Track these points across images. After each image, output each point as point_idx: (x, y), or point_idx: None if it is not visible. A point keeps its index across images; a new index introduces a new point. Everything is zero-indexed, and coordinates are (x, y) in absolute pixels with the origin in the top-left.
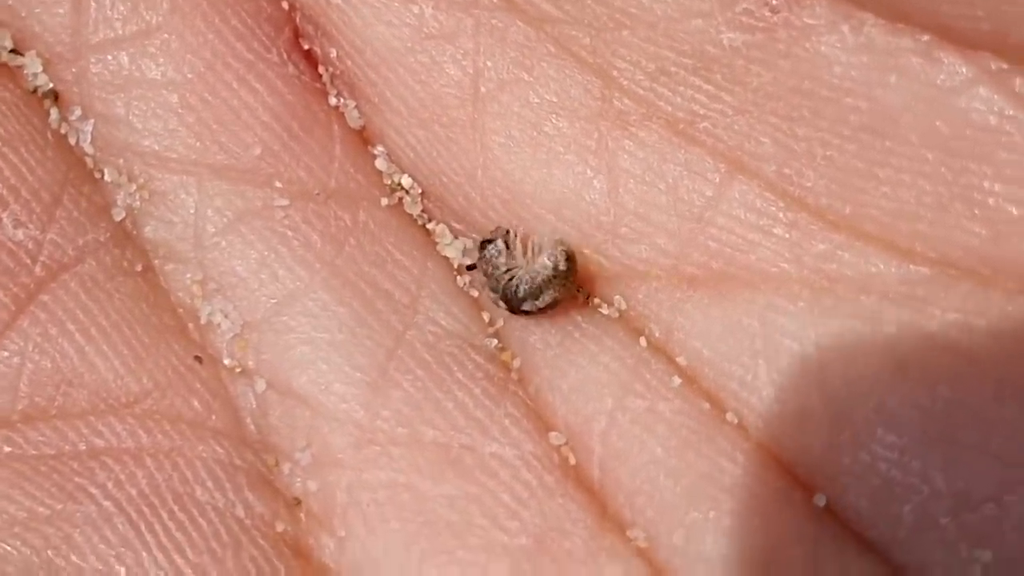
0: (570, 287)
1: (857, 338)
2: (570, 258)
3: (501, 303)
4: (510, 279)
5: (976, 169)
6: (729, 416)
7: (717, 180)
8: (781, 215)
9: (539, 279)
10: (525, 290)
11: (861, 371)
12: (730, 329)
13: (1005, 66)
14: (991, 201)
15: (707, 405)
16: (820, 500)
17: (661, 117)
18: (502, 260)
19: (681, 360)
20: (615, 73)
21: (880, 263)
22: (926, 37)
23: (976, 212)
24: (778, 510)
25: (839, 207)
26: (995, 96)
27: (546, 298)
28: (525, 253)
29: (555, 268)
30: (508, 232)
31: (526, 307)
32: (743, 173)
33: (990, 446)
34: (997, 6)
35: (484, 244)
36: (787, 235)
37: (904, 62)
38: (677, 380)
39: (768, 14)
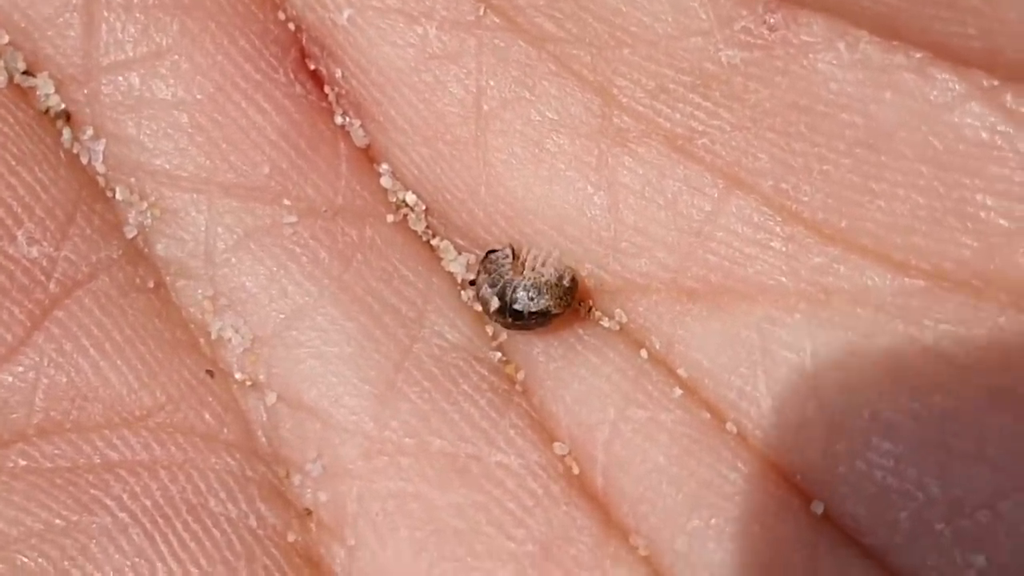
0: (564, 304)
1: (853, 349)
2: (574, 279)
3: (495, 300)
4: (511, 279)
5: (969, 183)
6: (729, 426)
7: (715, 195)
8: (778, 229)
9: (541, 283)
10: (525, 286)
11: (857, 381)
12: (729, 341)
13: (996, 83)
14: (983, 215)
15: (707, 415)
16: (818, 507)
17: (660, 133)
18: (508, 264)
19: (681, 372)
20: (615, 91)
21: (875, 276)
22: (920, 54)
23: (969, 225)
24: (777, 517)
25: (835, 221)
26: (987, 112)
27: (542, 302)
28: (533, 268)
29: (559, 280)
30: (513, 248)
31: (518, 306)
32: (741, 188)
33: (983, 453)
34: (989, 24)
35: (491, 252)
36: (784, 249)
37: (898, 78)
38: (678, 391)
39: (766, 32)
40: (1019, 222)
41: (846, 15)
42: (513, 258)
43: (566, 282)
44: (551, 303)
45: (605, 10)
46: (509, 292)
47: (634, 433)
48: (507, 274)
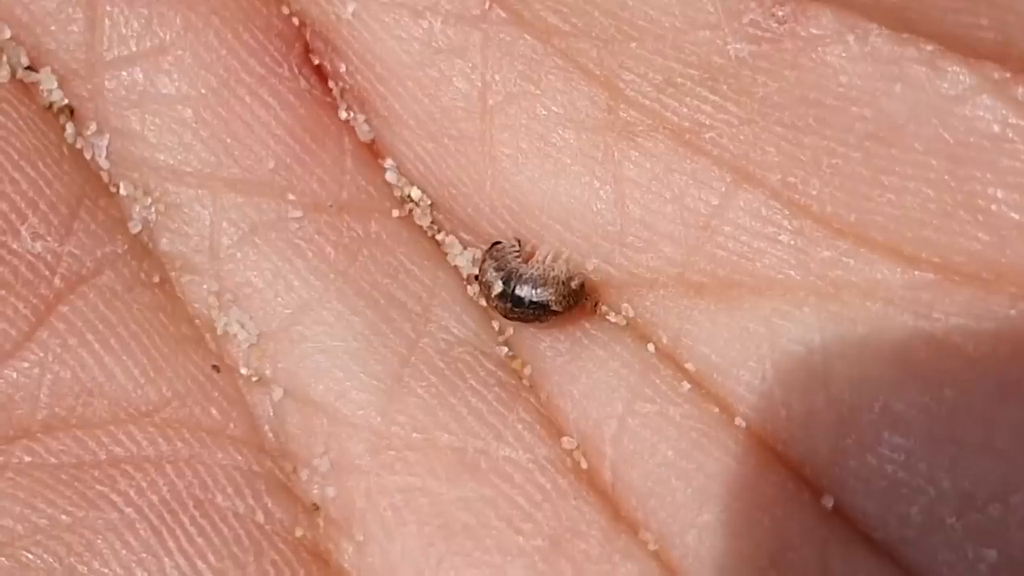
0: (566, 304)
1: (862, 343)
2: (583, 284)
3: (499, 283)
4: (518, 267)
5: (980, 176)
6: (737, 420)
7: (723, 189)
8: (787, 223)
9: (549, 276)
10: (532, 276)
11: (866, 374)
12: (737, 335)
13: (1008, 75)
14: (994, 208)
15: (716, 409)
16: (828, 502)
17: (667, 127)
18: (516, 253)
19: (689, 366)
20: (621, 85)
21: (885, 269)
22: (930, 47)
23: (980, 218)
24: (787, 511)
25: (844, 214)
26: (998, 104)
27: (545, 295)
28: (543, 262)
29: (567, 279)
30: (520, 240)
31: (521, 292)
32: (749, 182)
33: (995, 446)
34: (1001, 16)
35: (497, 243)
36: (793, 242)
37: (909, 71)
38: (686, 385)
39: (775, 25)
40: None
41: (855, 7)
42: (519, 247)
43: (574, 284)
44: (553, 298)
45: (611, 4)
46: (515, 279)
47: (642, 427)
48: (514, 262)
